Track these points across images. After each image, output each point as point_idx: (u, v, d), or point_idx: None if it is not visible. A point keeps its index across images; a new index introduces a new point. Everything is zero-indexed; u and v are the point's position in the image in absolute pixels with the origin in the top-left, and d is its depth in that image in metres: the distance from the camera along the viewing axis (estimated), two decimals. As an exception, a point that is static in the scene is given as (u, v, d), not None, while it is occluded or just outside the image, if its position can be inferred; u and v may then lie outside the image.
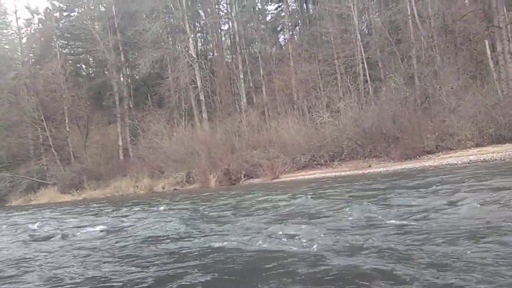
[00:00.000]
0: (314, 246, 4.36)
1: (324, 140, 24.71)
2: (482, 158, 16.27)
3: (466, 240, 3.96)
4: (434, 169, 15.62)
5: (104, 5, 44.70)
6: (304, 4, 43.86)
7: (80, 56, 49.65)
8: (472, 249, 3.60)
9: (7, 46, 48.71)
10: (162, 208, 11.17)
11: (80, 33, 44.55)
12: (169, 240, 5.75)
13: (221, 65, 39.41)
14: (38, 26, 49.76)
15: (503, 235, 3.96)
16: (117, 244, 5.85)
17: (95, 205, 18.32)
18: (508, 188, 6.85)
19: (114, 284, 3.81)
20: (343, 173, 20.23)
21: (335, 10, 32.05)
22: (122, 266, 4.46)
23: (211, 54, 45.21)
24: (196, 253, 4.73)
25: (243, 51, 39.09)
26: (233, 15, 41.00)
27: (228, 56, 44.04)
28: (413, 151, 20.55)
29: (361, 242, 4.34)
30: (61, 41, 46.65)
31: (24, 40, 48.05)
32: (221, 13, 43.83)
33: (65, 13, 48.47)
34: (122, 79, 41.85)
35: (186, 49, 36.21)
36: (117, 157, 37.90)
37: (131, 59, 43.23)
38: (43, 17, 48.50)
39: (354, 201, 7.60)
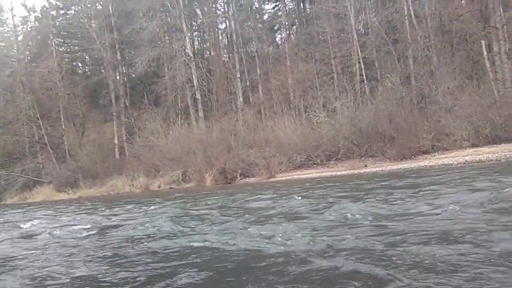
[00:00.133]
0: (293, 247, 4.33)
1: (320, 140, 24.70)
2: (477, 159, 16.25)
3: (442, 242, 3.94)
4: (429, 169, 15.58)
5: (101, 3, 44.56)
6: (301, 4, 43.84)
7: (77, 54, 49.51)
8: (448, 251, 3.58)
9: (3, 44, 48.51)
10: (152, 207, 11.11)
11: (77, 31, 44.44)
12: (153, 240, 5.71)
13: (217, 64, 39.35)
14: (35, 24, 49.75)
15: (478, 237, 3.95)
16: (104, 243, 5.80)
17: (89, 203, 18.22)
18: (495, 189, 6.83)
19: (99, 283, 3.75)
20: (339, 173, 20.19)
21: (332, 9, 32.04)
22: (107, 265, 4.40)
23: (208, 53, 45.20)
24: (177, 253, 4.72)
25: (240, 50, 39.08)
26: (230, 14, 40.96)
27: (225, 55, 43.97)
28: (409, 151, 20.54)
29: (340, 243, 4.32)
30: (58, 39, 46.53)
31: (20, 37, 48.03)
32: (218, 12, 43.85)
33: (61, 11, 48.46)
34: (118, 77, 41.74)
35: (183, 47, 36.14)
36: (113, 155, 37.84)
37: (127, 58, 43.09)
38: (40, 15, 48.53)
39: (341, 202, 7.57)
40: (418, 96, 24.86)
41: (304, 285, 3.13)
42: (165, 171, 28.62)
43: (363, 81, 29.04)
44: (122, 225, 7.45)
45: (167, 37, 40.05)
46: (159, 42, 38.44)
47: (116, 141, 38.43)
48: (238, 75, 36.51)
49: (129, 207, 12.46)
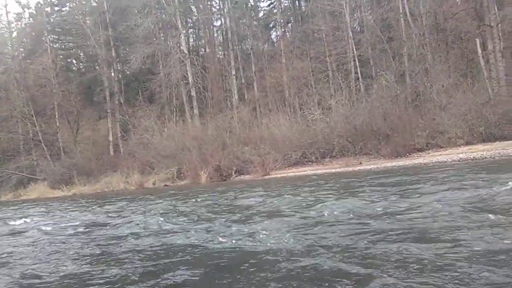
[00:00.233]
0: (278, 245, 4.35)
1: (315, 137, 24.71)
2: (472, 156, 16.31)
3: (421, 240, 3.98)
4: (423, 167, 15.63)
5: (96, 0, 44.34)
6: (297, 1, 43.88)
7: (71, 51, 49.20)
8: (427, 250, 3.61)
9: (-4, 40, 48.20)
10: (144, 205, 11.10)
11: (71, 28, 44.21)
12: (141, 237, 5.71)
13: (213, 61, 39.24)
14: (29, 20, 49.42)
15: (460, 236, 3.98)
16: (92, 241, 5.77)
17: (83, 201, 18.18)
18: (485, 187, 6.85)
19: (86, 281, 3.72)
20: (333, 170, 20.21)
21: (327, 7, 32.03)
22: (95, 263, 4.38)
23: (203, 50, 45.03)
24: (164, 251, 4.73)
25: (235, 47, 38.97)
26: (225, 11, 40.86)
27: (220, 52, 43.93)
28: (403, 149, 20.59)
29: (325, 241, 4.34)
30: (52, 36, 46.29)
31: (14, 34, 47.68)
32: (213, 9, 43.70)
33: (56, 8, 48.18)
34: (113, 74, 41.56)
35: (178, 45, 36.05)
36: (108, 152, 37.72)
37: (122, 55, 42.93)
38: (34, 12, 48.14)
39: (329, 200, 7.59)
40: (413, 94, 24.91)
41: (289, 283, 3.13)
42: (160, 169, 28.52)
43: (358, 78, 29.06)
44: (112, 223, 7.44)
45: (162, 34, 39.91)
46: (154, 39, 38.31)
47: (110, 138, 38.28)
48: (233, 73, 36.44)
49: (121, 204, 12.43)
